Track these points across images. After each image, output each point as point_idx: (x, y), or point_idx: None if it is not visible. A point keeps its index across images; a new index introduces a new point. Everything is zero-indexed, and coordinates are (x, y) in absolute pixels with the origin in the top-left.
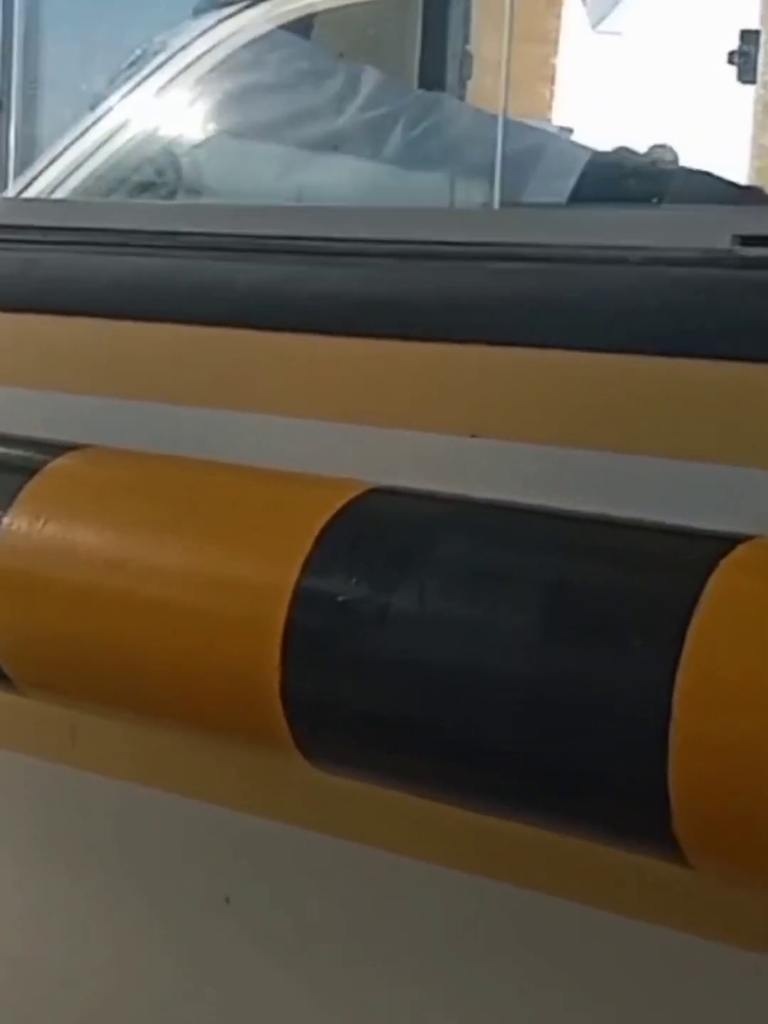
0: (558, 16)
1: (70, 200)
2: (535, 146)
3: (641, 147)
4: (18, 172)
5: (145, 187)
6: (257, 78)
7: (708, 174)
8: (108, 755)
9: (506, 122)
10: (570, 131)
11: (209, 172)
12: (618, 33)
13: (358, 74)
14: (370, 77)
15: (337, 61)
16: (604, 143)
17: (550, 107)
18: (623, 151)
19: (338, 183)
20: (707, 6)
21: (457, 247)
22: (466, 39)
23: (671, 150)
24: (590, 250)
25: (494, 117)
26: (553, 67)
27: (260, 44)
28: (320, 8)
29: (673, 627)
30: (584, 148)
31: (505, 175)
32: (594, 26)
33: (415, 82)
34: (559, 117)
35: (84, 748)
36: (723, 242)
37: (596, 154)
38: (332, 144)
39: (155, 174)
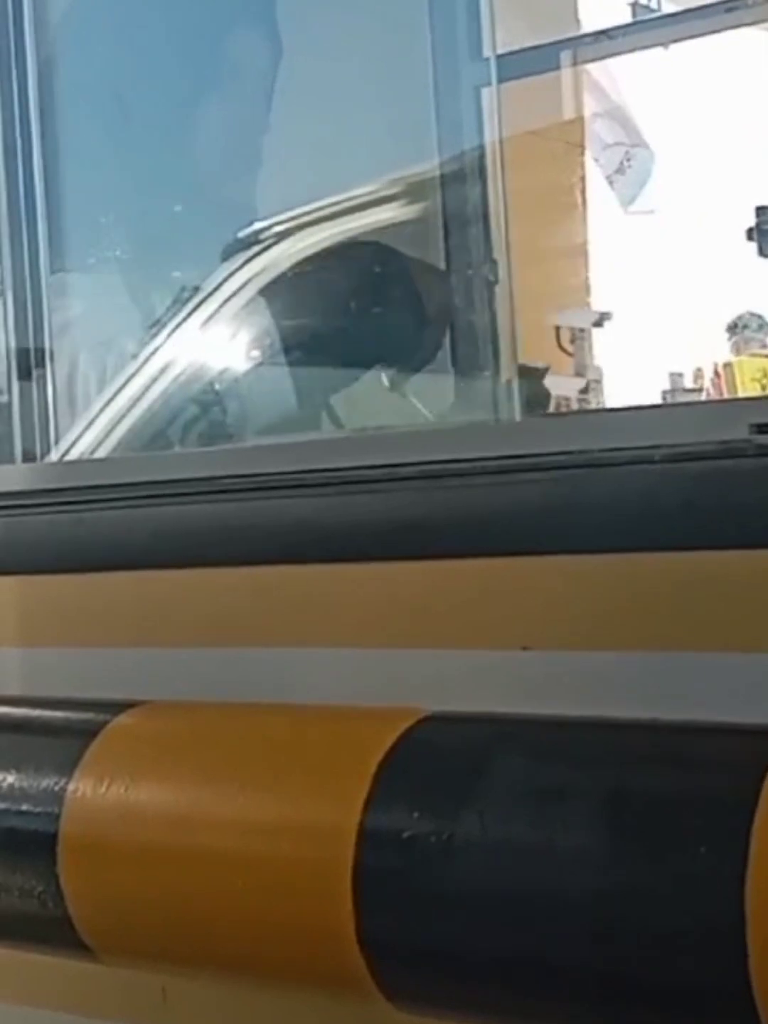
0: (585, 240)
1: (109, 458)
2: None
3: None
4: (60, 433)
5: (192, 425)
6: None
7: None
8: (201, 1013)
9: None
10: (608, 316)
11: (259, 407)
12: (651, 211)
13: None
14: None
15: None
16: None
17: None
18: None
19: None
20: (728, 181)
21: (486, 462)
22: (488, 255)
23: (759, 317)
24: (614, 452)
25: None
26: (583, 282)
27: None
28: (341, 241)
29: (736, 829)
30: None
31: None
32: (625, 207)
33: None
34: (597, 303)
35: (176, 1008)
36: (741, 432)
37: None
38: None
39: (200, 411)
